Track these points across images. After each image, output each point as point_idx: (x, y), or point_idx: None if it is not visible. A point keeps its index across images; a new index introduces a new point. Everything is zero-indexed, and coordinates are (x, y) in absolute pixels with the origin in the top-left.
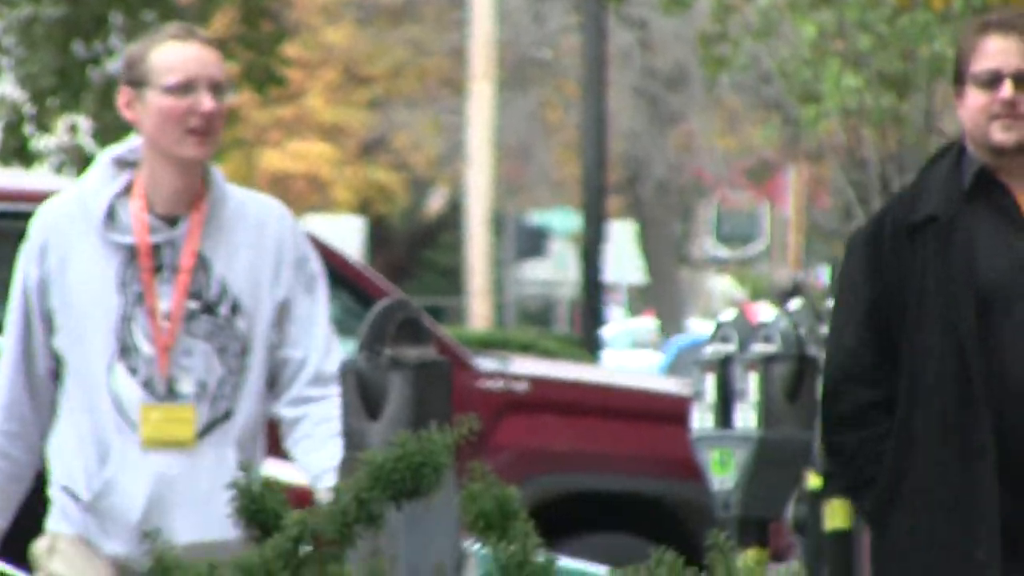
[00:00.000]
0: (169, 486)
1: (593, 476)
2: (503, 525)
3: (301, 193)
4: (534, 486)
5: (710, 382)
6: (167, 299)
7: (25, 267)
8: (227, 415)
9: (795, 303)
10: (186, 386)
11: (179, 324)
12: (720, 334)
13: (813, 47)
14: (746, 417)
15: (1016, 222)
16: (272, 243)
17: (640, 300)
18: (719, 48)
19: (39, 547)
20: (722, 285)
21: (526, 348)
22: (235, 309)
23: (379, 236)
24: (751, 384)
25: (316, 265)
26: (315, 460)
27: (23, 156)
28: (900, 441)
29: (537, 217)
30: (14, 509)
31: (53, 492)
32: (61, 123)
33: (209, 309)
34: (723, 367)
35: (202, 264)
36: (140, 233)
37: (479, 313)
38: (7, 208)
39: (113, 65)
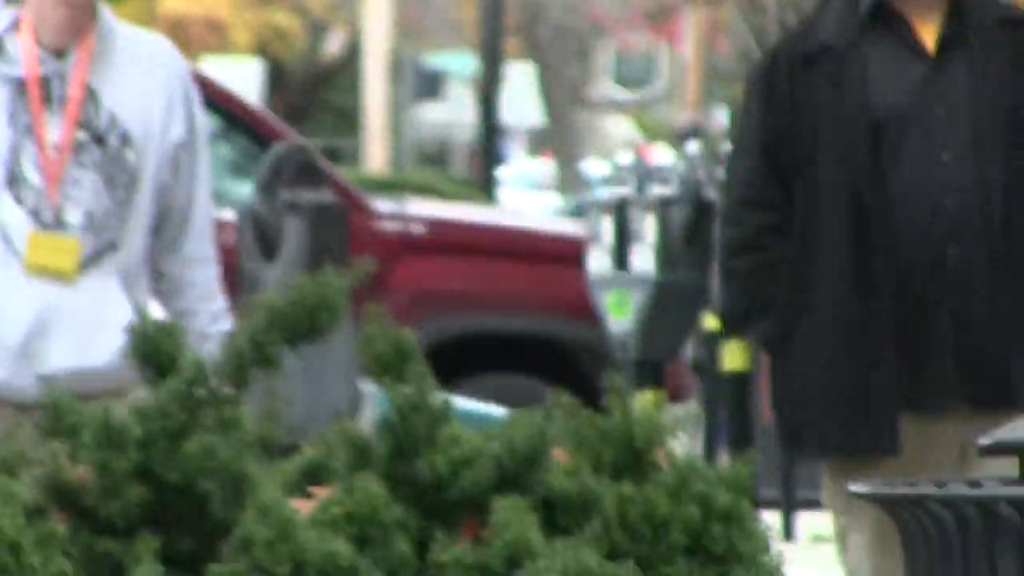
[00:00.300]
0: (52, 312)
1: (489, 317)
2: (399, 367)
3: (199, 36)
4: (430, 327)
5: (607, 224)
6: (56, 130)
7: None
8: (112, 246)
9: (693, 146)
10: (73, 216)
11: (68, 154)
12: (617, 176)
13: None
14: (643, 260)
15: (912, 49)
16: (164, 80)
17: (538, 142)
18: None
19: None
20: (620, 127)
21: (423, 190)
22: (125, 140)
23: (276, 78)
24: (648, 227)
25: (203, 115)
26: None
27: None
28: (796, 275)
29: (434, 60)
30: None
31: None
32: None
33: (98, 140)
34: (620, 209)
35: (91, 96)
36: (29, 65)
37: (376, 155)
38: None
39: None
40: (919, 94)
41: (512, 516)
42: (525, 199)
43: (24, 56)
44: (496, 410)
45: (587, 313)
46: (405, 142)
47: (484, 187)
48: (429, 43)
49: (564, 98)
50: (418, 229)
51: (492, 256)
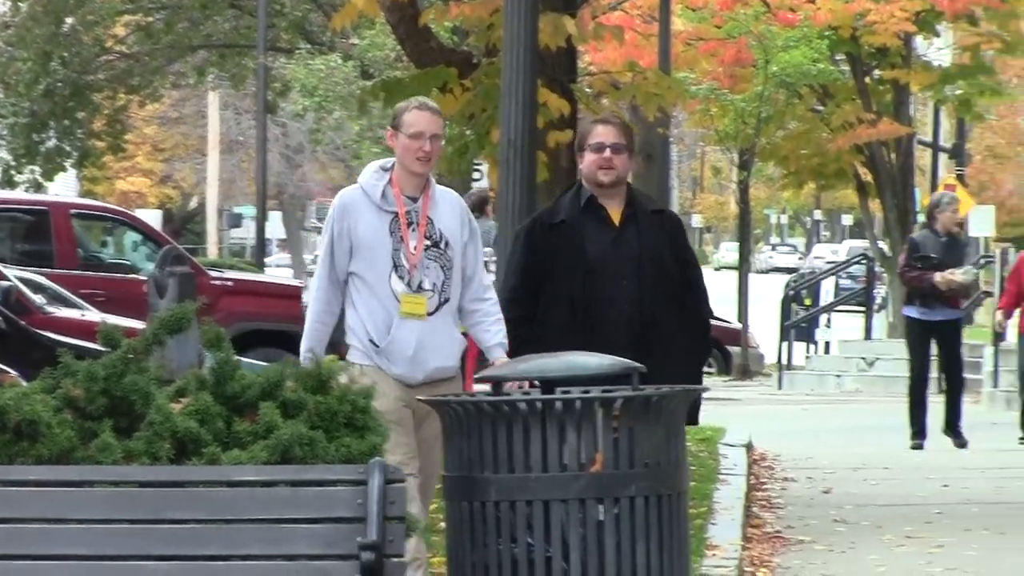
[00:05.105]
0: (424, 336)
1: (259, 322)
2: (218, 344)
3: (132, 199)
4: (234, 327)
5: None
6: (414, 239)
7: (330, 225)
8: (446, 300)
9: None
10: (426, 284)
11: (420, 252)
12: None
13: None
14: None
15: (608, 223)
16: (460, 213)
17: (282, 244)
18: None
19: (351, 371)
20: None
21: (232, 267)
22: (447, 244)
23: (167, 219)
24: None
25: (476, 227)
26: (486, 337)
27: None
28: (541, 340)
29: (238, 208)
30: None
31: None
32: None
33: (435, 244)
34: None
35: (430, 222)
36: (399, 206)
37: (212, 251)
38: None
39: None
40: (610, 248)
41: (268, 410)
42: (282, 271)
43: (396, 200)
44: (262, 364)
45: (301, 321)
46: (225, 247)
47: (259, 266)
48: (236, 200)
49: (295, 226)
50: (228, 283)
51: (261, 295)
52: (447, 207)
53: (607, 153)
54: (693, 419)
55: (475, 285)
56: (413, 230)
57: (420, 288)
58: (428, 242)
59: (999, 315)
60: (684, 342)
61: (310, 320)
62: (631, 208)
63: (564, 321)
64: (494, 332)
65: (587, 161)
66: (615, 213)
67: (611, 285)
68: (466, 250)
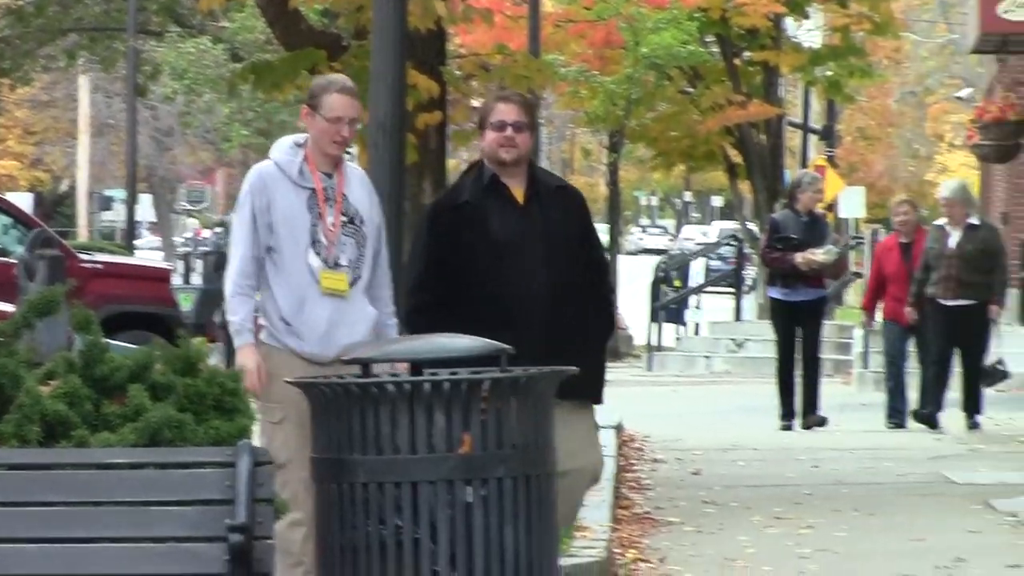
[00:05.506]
0: (336, 313)
1: (127, 305)
2: (87, 326)
3: (4, 183)
4: (104, 310)
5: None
6: (331, 216)
7: (249, 200)
8: (359, 277)
9: (220, 229)
10: (343, 261)
11: (338, 229)
12: (197, 242)
13: None
14: (198, 278)
15: (512, 202)
16: (370, 189)
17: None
18: None
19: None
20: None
21: (102, 250)
22: (361, 221)
23: (38, 203)
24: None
25: (379, 207)
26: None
27: None
28: (449, 323)
29: (108, 191)
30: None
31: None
32: None
33: (351, 221)
34: (207, 256)
35: (345, 198)
36: (316, 182)
37: (83, 234)
38: None
39: None
40: (515, 227)
41: (137, 393)
42: (152, 254)
43: (313, 176)
44: (131, 347)
45: (171, 303)
46: (95, 229)
47: (129, 248)
48: (106, 183)
49: (166, 209)
50: (98, 266)
51: (131, 278)
52: (358, 183)
53: (509, 131)
54: (597, 397)
55: (382, 260)
56: (330, 206)
57: (337, 264)
58: (344, 218)
59: (864, 316)
60: (591, 320)
61: (233, 293)
62: (534, 186)
63: (472, 303)
64: (387, 314)
65: (488, 139)
66: (518, 192)
67: (518, 264)
68: (377, 230)
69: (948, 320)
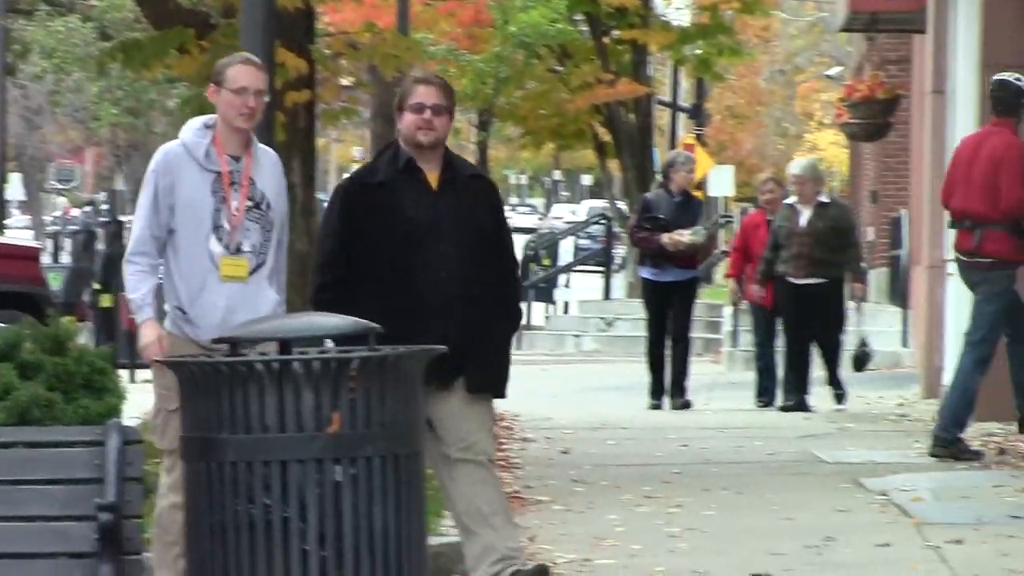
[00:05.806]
0: (236, 300)
1: (2, 284)
2: None
3: None
4: None
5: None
6: (236, 200)
7: (153, 180)
8: (263, 263)
9: (89, 209)
10: (245, 247)
11: (242, 214)
12: (67, 221)
13: None
14: (67, 254)
15: (426, 186)
16: (280, 174)
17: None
18: None
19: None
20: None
21: None
22: (268, 206)
23: None
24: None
25: (285, 195)
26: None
27: None
28: (355, 304)
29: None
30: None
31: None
32: None
33: (257, 205)
34: (78, 234)
35: (252, 182)
36: (222, 165)
37: None
38: None
39: None
40: (429, 211)
41: (5, 372)
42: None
43: (220, 159)
44: (0, 326)
45: (41, 282)
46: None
47: None
48: None
49: (35, 188)
50: None
51: (14, 258)
52: (269, 167)
53: (427, 114)
54: (500, 392)
55: (281, 246)
56: (236, 190)
57: (239, 250)
58: (250, 203)
59: (731, 283)
60: (499, 313)
61: (131, 271)
62: (449, 172)
63: (380, 285)
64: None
65: (406, 121)
66: (432, 176)
67: (429, 249)
68: (282, 217)
69: (800, 298)
